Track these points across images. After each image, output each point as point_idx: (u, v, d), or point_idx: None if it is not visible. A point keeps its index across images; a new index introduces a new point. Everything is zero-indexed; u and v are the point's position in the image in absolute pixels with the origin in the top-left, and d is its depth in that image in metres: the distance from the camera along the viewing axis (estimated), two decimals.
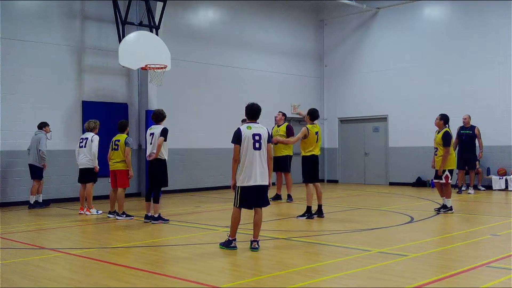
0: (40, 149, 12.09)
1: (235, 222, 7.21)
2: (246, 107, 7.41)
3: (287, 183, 13.29)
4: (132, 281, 5.73)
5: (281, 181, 13.45)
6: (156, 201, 9.89)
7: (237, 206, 7.20)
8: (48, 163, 13.31)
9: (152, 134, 9.85)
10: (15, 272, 6.17)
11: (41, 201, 12.49)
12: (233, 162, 7.20)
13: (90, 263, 6.66)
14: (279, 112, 13.65)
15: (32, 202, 12.31)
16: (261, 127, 7.32)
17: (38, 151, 12.11)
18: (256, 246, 7.15)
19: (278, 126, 13.36)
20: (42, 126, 12.40)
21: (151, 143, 9.81)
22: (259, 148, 7.15)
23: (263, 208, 7.34)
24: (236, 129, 7.25)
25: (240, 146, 7.12)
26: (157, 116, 9.96)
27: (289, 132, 13.08)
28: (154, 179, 9.84)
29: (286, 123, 13.41)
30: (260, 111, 7.41)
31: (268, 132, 7.38)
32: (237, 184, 7.16)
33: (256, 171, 7.10)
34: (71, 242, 8.46)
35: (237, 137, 7.15)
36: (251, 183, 7.09)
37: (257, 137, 7.14)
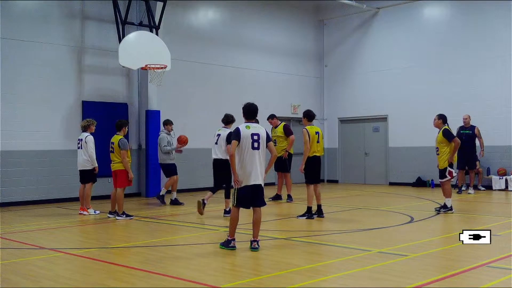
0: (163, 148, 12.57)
1: (234, 222, 7.22)
2: (243, 107, 7.40)
3: (287, 183, 13.27)
4: (132, 281, 5.73)
5: (282, 181, 13.43)
6: (227, 196, 10.58)
7: (235, 205, 7.21)
8: (48, 163, 13.38)
9: (218, 135, 10.56)
10: (15, 272, 6.17)
11: (174, 198, 12.72)
12: (231, 158, 7.18)
13: (90, 263, 6.67)
14: (269, 117, 13.49)
15: (173, 198, 12.68)
16: (260, 127, 7.34)
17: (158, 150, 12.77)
18: (256, 246, 7.15)
19: (275, 127, 13.30)
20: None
21: (216, 143, 10.56)
22: (258, 148, 7.17)
23: (262, 208, 7.34)
24: (235, 128, 7.27)
25: (239, 143, 7.14)
26: (227, 118, 10.75)
27: (287, 132, 13.03)
28: (220, 177, 10.57)
29: (283, 123, 13.34)
30: (258, 111, 7.42)
31: (267, 132, 7.40)
32: (235, 185, 7.18)
33: (254, 171, 7.12)
34: (71, 242, 8.46)
35: (237, 135, 7.16)
36: (250, 182, 7.11)
37: (255, 137, 7.17)
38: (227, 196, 10.62)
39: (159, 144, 12.70)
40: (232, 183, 7.36)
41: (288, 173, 13.24)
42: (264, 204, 7.35)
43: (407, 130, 17.54)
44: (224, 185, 10.69)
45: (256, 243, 7.18)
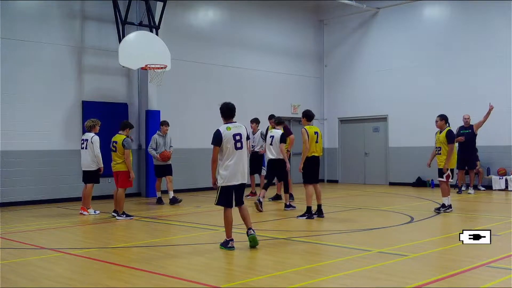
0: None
1: (228, 222, 7.25)
2: (220, 108, 7.40)
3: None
4: (132, 281, 5.73)
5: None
6: (286, 191, 11.75)
7: (216, 203, 7.26)
8: (48, 163, 13.38)
9: (272, 136, 11.55)
10: (15, 272, 6.17)
11: (171, 197, 12.83)
12: (212, 163, 7.22)
13: (90, 263, 6.67)
14: (271, 119, 13.50)
15: (170, 197, 12.77)
16: (240, 126, 7.34)
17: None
18: (252, 232, 7.25)
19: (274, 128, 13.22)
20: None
21: (271, 144, 11.52)
22: (241, 148, 7.20)
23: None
24: (216, 130, 7.23)
25: (221, 147, 7.14)
26: (278, 119, 11.96)
27: (287, 132, 12.97)
28: (275, 175, 11.70)
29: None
30: (235, 109, 7.41)
31: (247, 131, 7.44)
32: (219, 184, 7.19)
33: (239, 171, 7.17)
34: (71, 242, 8.46)
35: (217, 139, 7.15)
36: (234, 182, 7.15)
37: (237, 137, 7.19)
38: (286, 191, 11.73)
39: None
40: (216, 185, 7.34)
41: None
42: (243, 203, 7.41)
43: (407, 130, 17.54)
44: (281, 181, 11.93)
45: (251, 230, 7.27)
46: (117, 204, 10.63)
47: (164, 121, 12.99)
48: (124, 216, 10.45)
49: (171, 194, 12.80)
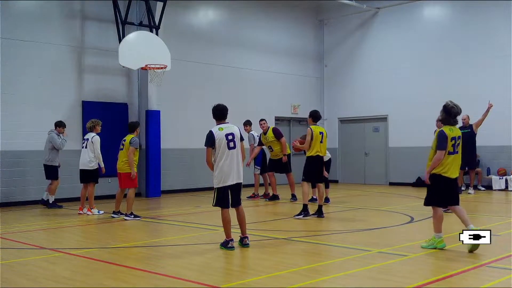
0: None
1: (226, 223, 7.26)
2: (212, 110, 7.43)
3: (290, 183, 13.28)
4: (132, 281, 5.73)
5: (274, 181, 13.38)
6: (327, 186, 11.98)
7: (214, 205, 7.29)
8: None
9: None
10: (15, 272, 6.17)
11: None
12: (207, 164, 7.27)
13: (90, 263, 6.66)
14: (262, 120, 13.49)
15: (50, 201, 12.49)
16: (232, 126, 7.37)
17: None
18: (247, 242, 7.30)
19: (265, 133, 13.22)
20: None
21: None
22: (234, 147, 7.22)
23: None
24: (208, 132, 7.26)
25: (214, 148, 7.17)
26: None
27: (277, 135, 13.02)
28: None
29: (271, 127, 13.34)
30: (227, 111, 7.43)
31: (240, 131, 7.43)
32: (215, 186, 7.22)
33: (233, 171, 7.18)
34: (71, 242, 8.46)
35: (210, 140, 7.18)
36: (229, 182, 7.17)
37: (230, 137, 7.21)
38: (326, 186, 11.96)
39: (52, 143, 12.15)
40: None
41: (289, 173, 13.28)
42: (240, 203, 7.40)
43: (407, 130, 17.54)
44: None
45: (246, 239, 7.33)
46: (118, 205, 10.64)
47: (60, 122, 12.41)
48: (132, 216, 10.40)
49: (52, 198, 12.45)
